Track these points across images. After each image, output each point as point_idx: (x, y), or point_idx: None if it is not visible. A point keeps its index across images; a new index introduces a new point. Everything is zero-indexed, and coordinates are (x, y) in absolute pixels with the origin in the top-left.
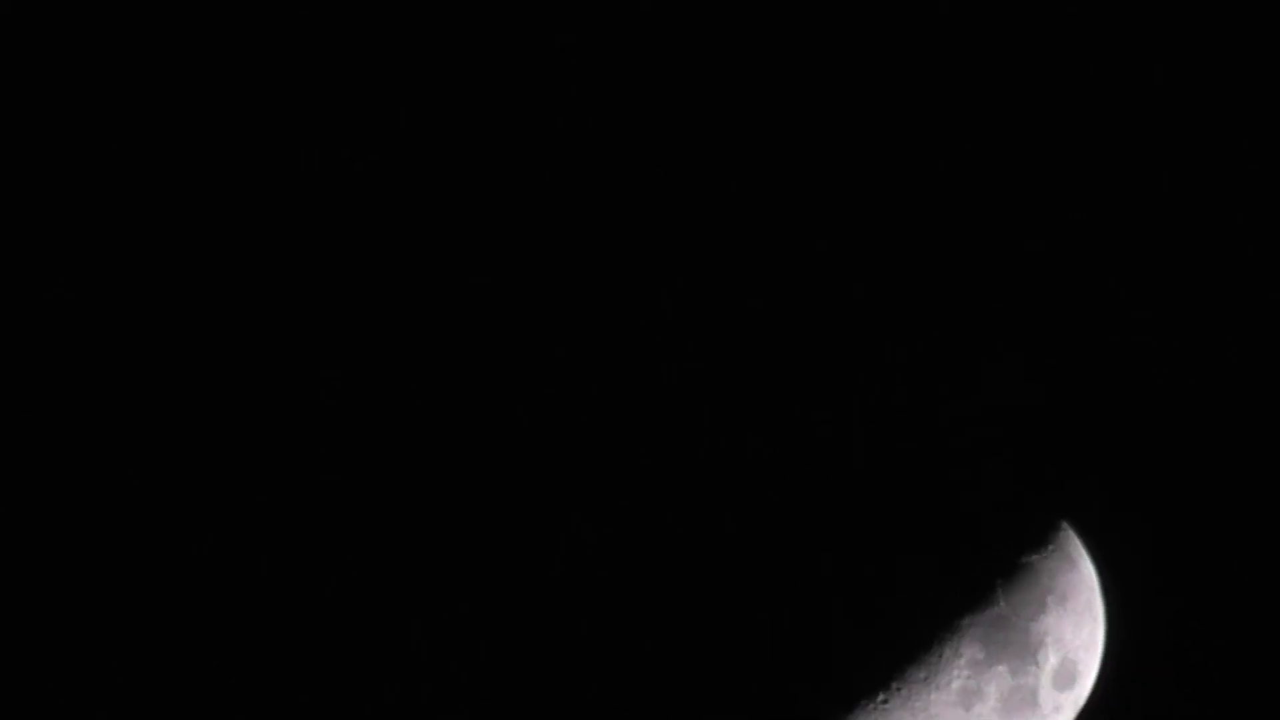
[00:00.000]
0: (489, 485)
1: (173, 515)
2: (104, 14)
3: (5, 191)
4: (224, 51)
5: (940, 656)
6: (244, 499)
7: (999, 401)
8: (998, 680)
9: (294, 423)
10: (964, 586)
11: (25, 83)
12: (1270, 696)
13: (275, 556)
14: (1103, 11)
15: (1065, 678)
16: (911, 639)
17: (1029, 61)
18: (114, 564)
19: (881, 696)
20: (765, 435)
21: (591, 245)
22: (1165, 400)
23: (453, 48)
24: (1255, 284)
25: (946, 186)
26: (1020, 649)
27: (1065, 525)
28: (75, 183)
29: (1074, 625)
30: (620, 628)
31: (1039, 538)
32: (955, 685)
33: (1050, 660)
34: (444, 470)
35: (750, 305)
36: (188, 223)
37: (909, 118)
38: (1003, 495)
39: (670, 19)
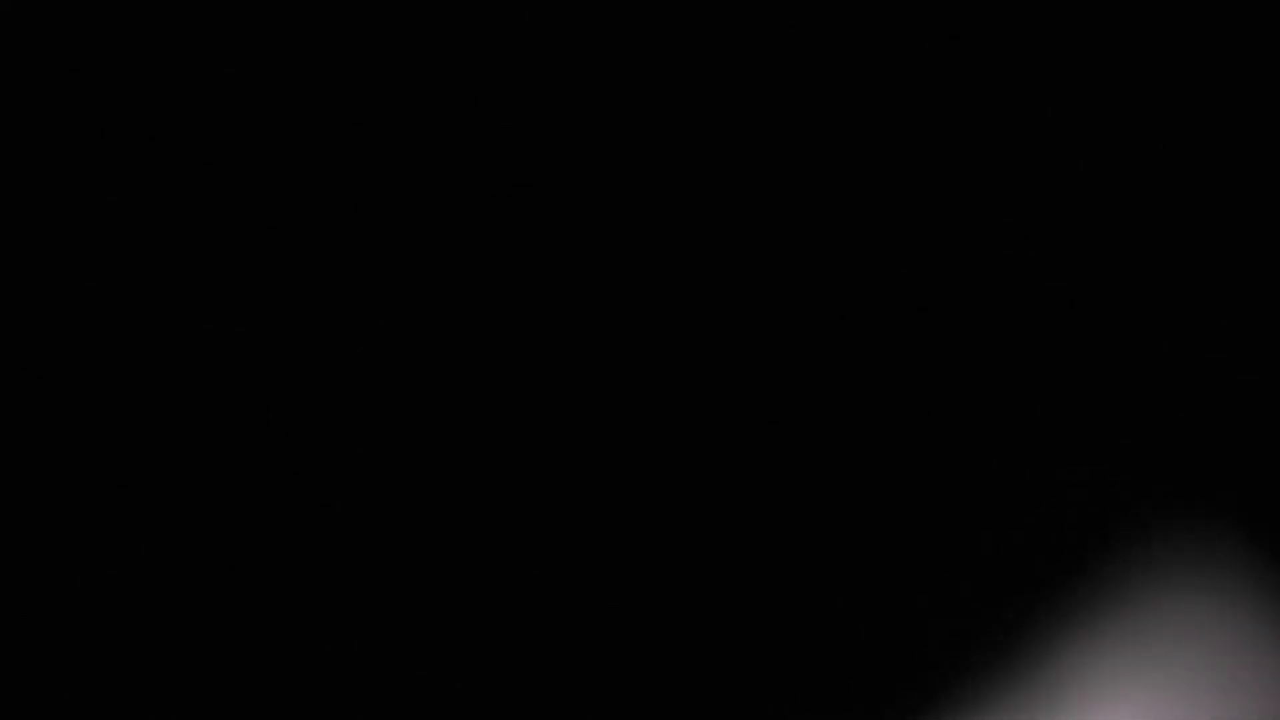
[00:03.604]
0: (488, 485)
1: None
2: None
3: (5, 191)
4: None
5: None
6: (243, 498)
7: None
8: None
9: (293, 423)
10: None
11: (25, 83)
12: None
13: (274, 556)
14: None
15: None
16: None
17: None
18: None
19: None
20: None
21: (590, 245)
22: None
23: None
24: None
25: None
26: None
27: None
28: (75, 182)
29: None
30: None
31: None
32: None
33: None
34: (443, 470)
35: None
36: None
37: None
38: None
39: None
